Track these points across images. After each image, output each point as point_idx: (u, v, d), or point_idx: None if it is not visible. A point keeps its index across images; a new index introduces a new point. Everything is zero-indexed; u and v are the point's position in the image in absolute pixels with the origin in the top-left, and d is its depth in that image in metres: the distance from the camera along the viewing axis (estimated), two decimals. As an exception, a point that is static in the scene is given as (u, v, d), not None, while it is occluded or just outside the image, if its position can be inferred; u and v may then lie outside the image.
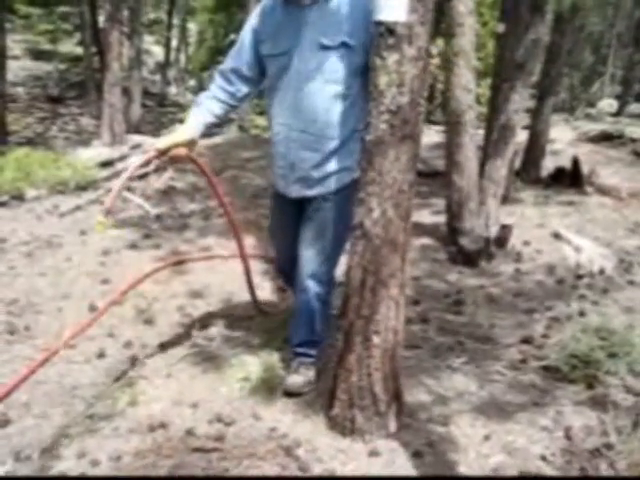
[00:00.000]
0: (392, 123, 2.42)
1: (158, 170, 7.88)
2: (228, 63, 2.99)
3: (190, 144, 2.98)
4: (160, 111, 14.62)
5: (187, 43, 24.18)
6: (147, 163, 3.13)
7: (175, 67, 22.34)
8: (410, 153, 2.48)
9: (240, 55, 2.96)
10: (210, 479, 2.33)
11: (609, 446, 2.77)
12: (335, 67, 2.79)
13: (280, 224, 3.32)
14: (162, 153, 2.91)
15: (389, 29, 2.39)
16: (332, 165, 2.94)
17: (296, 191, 3.05)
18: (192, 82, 22.82)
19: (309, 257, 3.07)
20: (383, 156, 2.46)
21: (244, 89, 3.01)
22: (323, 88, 2.81)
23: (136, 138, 9.66)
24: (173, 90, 18.66)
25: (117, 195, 2.83)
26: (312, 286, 3.09)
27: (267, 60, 2.92)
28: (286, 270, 3.42)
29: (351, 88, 2.83)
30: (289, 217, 3.19)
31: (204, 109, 2.97)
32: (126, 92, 11.61)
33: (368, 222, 2.53)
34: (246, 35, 2.95)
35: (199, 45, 22.51)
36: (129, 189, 7.06)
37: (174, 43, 22.68)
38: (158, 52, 21.80)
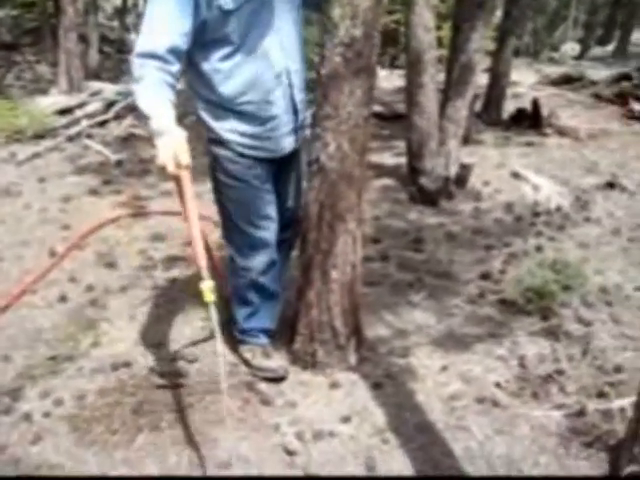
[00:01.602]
0: (346, 56, 2.41)
1: (118, 117, 7.76)
2: (160, 42, 2.31)
3: None
4: (119, 58, 14.19)
5: (145, -13, 23.43)
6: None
7: (133, 13, 21.67)
8: (365, 87, 2.48)
9: (173, 29, 2.33)
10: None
11: (560, 372, 2.89)
12: None
13: (268, 202, 2.75)
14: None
15: (342, -40, 2.36)
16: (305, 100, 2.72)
17: (298, 139, 2.73)
18: (152, 28, 22.09)
19: (295, 206, 2.93)
20: (338, 90, 2.46)
21: (180, 66, 2.42)
22: (294, 17, 2.58)
23: (95, 85, 9.39)
24: (132, 36, 18.08)
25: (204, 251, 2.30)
26: (294, 232, 3.00)
27: (229, 17, 2.37)
28: (270, 244, 2.82)
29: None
30: (271, 183, 2.76)
31: (166, 101, 2.33)
32: (83, 38, 11.27)
33: (324, 157, 2.54)
34: (178, 4, 2.32)
35: (158, -11, 21.74)
36: (89, 136, 6.96)
37: (132, -13, 21.96)
38: (115, -3, 21.14)
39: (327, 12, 2.43)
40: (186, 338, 3.16)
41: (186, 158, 2.27)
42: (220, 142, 2.61)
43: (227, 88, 2.49)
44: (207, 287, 2.21)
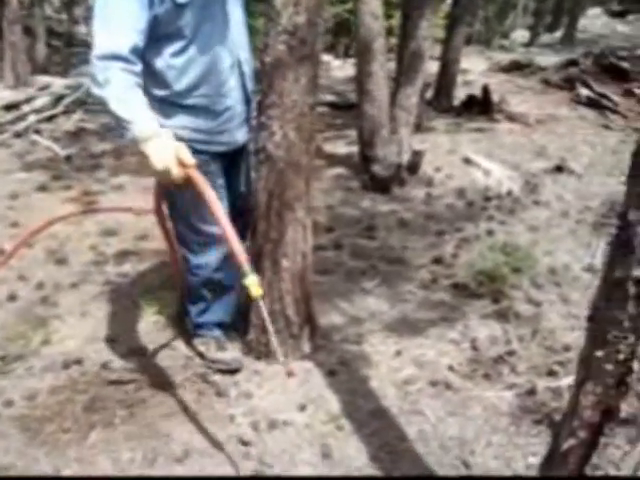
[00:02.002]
0: (290, 44, 2.40)
1: (67, 112, 7.62)
2: (122, 42, 2.20)
3: None
4: (68, 51, 13.95)
5: (93, -21, 22.92)
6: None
7: (82, 5, 21.24)
8: (309, 74, 2.47)
9: (132, 27, 2.23)
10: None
11: (511, 353, 2.95)
12: None
13: (221, 197, 2.61)
14: None
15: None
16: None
17: (250, 130, 2.70)
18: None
19: (246, 196, 2.86)
20: (283, 78, 2.45)
21: (141, 65, 2.30)
22: (241, 5, 2.57)
23: (43, 79, 9.23)
24: (82, 29, 17.73)
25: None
26: (245, 222, 2.88)
27: (182, 10, 2.30)
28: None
29: None
30: (223, 178, 2.71)
31: (142, 103, 2.23)
32: (29, 31, 11.04)
33: (270, 145, 2.53)
34: (132, 2, 2.22)
35: (106, -19, 21.27)
36: (37, 131, 6.82)
37: (79, -21, 21.51)
38: (63, -11, 20.68)
39: (270, 1, 2.41)
40: (139, 333, 3.12)
41: (190, 157, 2.19)
42: None
43: (181, 84, 2.42)
44: (252, 282, 2.05)
